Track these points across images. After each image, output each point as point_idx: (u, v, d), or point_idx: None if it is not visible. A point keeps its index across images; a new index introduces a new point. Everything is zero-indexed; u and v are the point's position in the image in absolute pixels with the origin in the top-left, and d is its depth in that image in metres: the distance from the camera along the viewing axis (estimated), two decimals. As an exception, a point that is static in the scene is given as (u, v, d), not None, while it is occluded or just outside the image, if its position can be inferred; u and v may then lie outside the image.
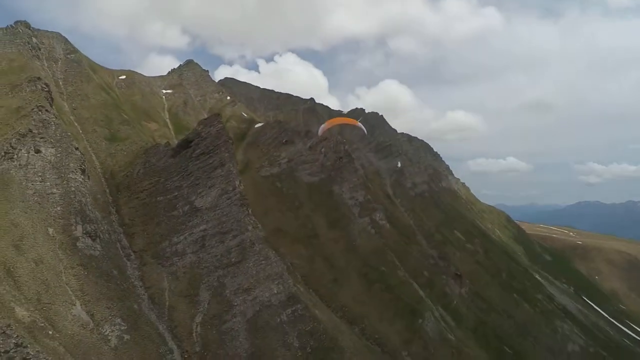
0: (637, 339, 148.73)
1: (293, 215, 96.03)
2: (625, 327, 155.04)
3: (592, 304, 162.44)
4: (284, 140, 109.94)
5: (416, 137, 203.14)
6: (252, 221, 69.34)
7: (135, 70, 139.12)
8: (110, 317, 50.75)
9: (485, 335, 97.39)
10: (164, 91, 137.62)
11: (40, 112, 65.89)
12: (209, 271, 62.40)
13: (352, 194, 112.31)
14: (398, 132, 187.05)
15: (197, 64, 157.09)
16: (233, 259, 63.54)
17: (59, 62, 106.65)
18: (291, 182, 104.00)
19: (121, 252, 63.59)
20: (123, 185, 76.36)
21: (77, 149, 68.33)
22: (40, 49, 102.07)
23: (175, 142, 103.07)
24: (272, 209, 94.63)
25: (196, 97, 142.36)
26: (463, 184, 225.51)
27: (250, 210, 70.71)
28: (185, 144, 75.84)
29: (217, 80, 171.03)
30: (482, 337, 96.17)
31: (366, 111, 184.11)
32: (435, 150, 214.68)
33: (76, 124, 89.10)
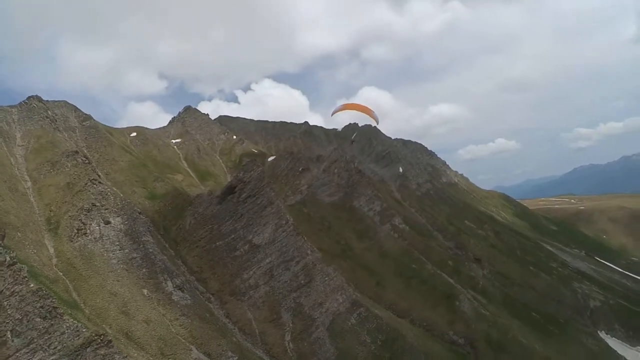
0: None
1: (325, 235, 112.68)
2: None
3: (604, 262, 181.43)
4: (300, 169, 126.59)
5: (410, 140, 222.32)
6: (309, 246, 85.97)
7: (141, 126, 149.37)
8: (223, 352, 63.01)
9: (514, 306, 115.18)
10: (174, 141, 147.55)
11: (95, 185, 75.30)
12: (283, 296, 78.14)
13: (370, 206, 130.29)
14: (392, 138, 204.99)
15: (195, 109, 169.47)
16: (302, 281, 79.71)
17: (77, 131, 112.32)
18: (315, 205, 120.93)
19: (201, 297, 78.07)
20: (180, 238, 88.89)
21: (140, 213, 79.84)
22: (56, 121, 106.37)
23: (202, 188, 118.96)
24: (307, 233, 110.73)
25: (204, 141, 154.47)
26: (461, 175, 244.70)
27: (305, 238, 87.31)
28: (230, 190, 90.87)
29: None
30: (511, 308, 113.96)
31: (360, 125, 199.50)
32: (429, 149, 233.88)
33: (115, 189, 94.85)
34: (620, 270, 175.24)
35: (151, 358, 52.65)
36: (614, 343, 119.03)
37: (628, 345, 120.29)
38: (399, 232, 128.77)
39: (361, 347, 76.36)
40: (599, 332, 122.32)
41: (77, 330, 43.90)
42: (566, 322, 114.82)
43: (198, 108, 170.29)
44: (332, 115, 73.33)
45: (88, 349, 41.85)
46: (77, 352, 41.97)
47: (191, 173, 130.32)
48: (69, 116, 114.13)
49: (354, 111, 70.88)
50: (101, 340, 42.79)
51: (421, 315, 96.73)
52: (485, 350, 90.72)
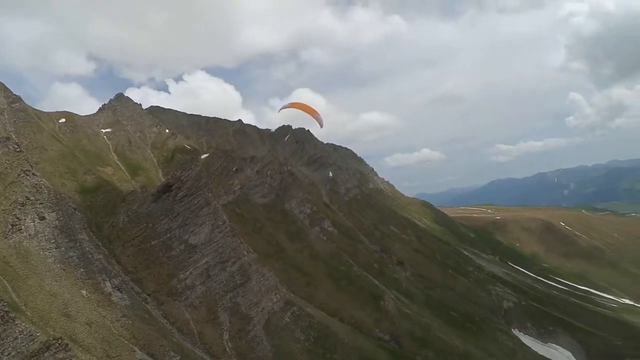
0: (563, 289, 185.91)
1: (258, 235, 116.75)
2: (551, 282, 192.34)
3: (518, 267, 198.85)
4: (233, 169, 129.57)
5: (341, 146, 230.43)
6: (244, 247, 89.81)
7: (70, 111, 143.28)
8: (166, 353, 64.40)
9: (435, 306, 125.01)
10: (104, 130, 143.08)
11: (28, 177, 71.42)
12: (220, 296, 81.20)
13: (301, 209, 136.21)
14: (324, 143, 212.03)
15: (127, 97, 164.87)
16: (238, 281, 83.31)
17: (5, 113, 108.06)
18: (248, 206, 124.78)
19: (138, 297, 78.51)
20: (113, 236, 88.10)
21: (75, 209, 78.83)
22: None
23: (133, 183, 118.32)
24: (239, 233, 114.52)
25: (135, 133, 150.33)
26: (387, 182, 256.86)
27: (241, 239, 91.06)
28: (166, 189, 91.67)
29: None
30: (433, 307, 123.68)
31: (293, 127, 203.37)
32: (359, 155, 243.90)
33: (44, 180, 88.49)
34: (532, 275, 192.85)
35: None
36: (526, 340, 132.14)
37: (540, 342, 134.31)
38: (328, 235, 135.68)
39: (296, 344, 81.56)
40: (512, 329, 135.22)
41: (31, 335, 44.66)
42: (482, 321, 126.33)
43: (126, 94, 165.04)
44: (278, 111, 77.05)
45: (46, 354, 42.72)
46: (34, 358, 42.54)
47: (121, 166, 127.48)
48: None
49: (303, 109, 74.24)
50: (59, 344, 44.01)
51: (350, 314, 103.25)
52: (409, 346, 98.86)
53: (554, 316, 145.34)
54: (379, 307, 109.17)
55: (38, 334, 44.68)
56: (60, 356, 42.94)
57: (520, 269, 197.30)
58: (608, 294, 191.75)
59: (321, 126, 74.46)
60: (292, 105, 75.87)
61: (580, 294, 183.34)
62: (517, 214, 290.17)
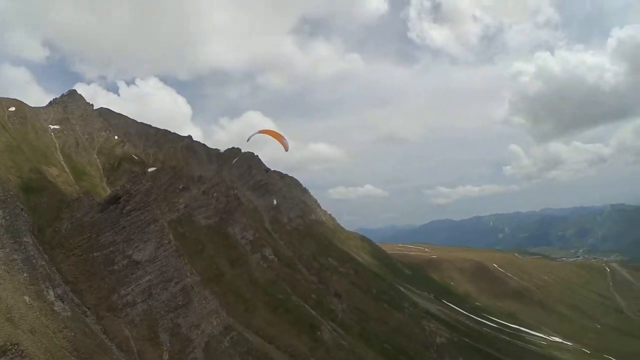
0: (494, 326, 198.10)
1: (199, 257, 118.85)
2: (483, 319, 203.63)
3: (451, 305, 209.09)
4: (180, 187, 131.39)
5: (287, 175, 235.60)
6: (188, 268, 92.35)
7: (21, 100, 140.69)
8: None
9: (369, 338, 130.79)
10: (52, 127, 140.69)
11: None
12: (161, 315, 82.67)
13: (243, 234, 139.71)
14: (271, 170, 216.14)
15: (80, 95, 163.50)
16: (180, 302, 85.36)
17: None
18: (191, 226, 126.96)
19: (78, 309, 79.96)
20: (55, 242, 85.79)
21: (22, 209, 78.75)
22: None
23: (77, 188, 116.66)
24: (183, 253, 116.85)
25: (83, 134, 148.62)
26: (329, 214, 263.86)
27: (185, 260, 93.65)
28: (113, 200, 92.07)
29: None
30: (367, 340, 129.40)
31: (242, 150, 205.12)
32: (304, 185, 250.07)
33: None
34: (465, 312, 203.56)
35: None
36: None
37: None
38: (269, 262, 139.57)
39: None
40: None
41: None
42: (415, 355, 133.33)
43: (75, 88, 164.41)
44: (247, 141, 79.61)
45: (2, 359, 44.79)
46: None
47: (66, 168, 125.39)
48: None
49: (270, 135, 79.39)
50: (15, 349, 45.81)
51: (286, 342, 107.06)
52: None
53: (485, 352, 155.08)
54: (315, 337, 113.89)
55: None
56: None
57: (454, 307, 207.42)
58: (537, 332, 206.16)
59: (286, 149, 79.73)
60: (260, 131, 78.79)
61: (511, 331, 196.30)
62: (452, 254, 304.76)
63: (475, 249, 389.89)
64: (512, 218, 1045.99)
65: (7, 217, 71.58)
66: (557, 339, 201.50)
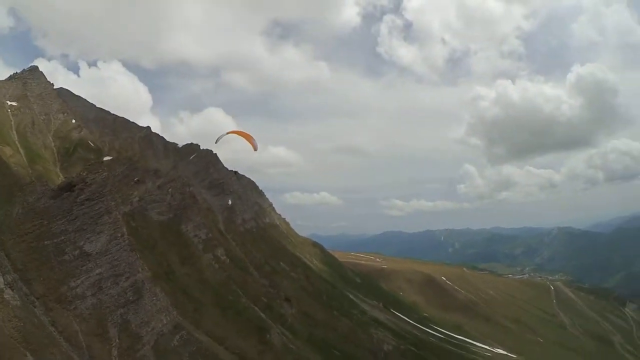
0: (440, 337, 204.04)
1: (150, 253, 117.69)
2: (430, 329, 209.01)
3: (399, 314, 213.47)
4: (135, 179, 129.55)
5: (244, 175, 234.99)
6: (140, 264, 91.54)
7: None
8: None
9: (317, 344, 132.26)
10: (9, 103, 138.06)
11: None
12: (111, 310, 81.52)
13: (196, 232, 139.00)
14: (228, 169, 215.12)
15: (42, 73, 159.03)
16: (130, 298, 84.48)
17: None
18: (144, 221, 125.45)
19: (26, 299, 78.78)
20: (5, 226, 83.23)
21: None
22: None
23: (30, 171, 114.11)
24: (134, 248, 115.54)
25: (40, 114, 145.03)
26: (284, 219, 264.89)
27: (138, 255, 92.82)
28: (68, 187, 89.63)
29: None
30: (315, 345, 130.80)
31: (201, 147, 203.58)
32: (260, 187, 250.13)
33: None
34: (412, 322, 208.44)
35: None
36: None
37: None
38: (220, 263, 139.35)
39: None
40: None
41: None
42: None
43: (35, 64, 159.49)
44: (216, 142, 79.81)
45: None
46: None
47: (20, 149, 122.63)
48: None
49: (239, 135, 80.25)
50: None
51: (235, 344, 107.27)
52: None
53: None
54: (264, 339, 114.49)
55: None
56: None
57: (401, 316, 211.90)
58: (482, 344, 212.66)
59: (255, 149, 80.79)
60: (229, 132, 79.22)
61: (456, 342, 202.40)
62: (402, 265, 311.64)
63: (425, 262, 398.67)
64: (462, 234, 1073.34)
65: None
66: (501, 351, 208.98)
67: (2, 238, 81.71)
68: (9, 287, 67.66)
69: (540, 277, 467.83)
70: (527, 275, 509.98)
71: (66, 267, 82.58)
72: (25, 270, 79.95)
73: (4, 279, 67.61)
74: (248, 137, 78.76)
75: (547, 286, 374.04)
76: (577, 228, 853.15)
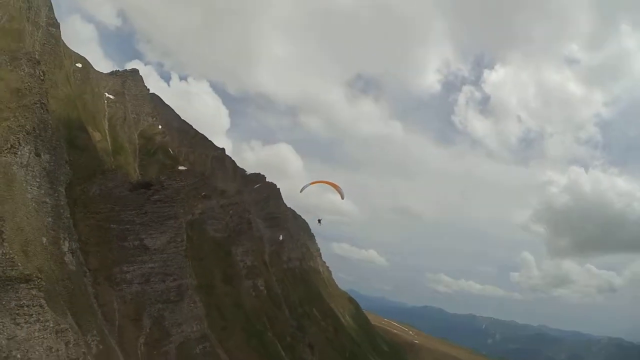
0: None
1: (197, 263, 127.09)
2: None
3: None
4: (202, 194, 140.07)
5: (300, 215, 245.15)
6: (189, 271, 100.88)
7: (87, 59, 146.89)
8: (90, 329, 73.75)
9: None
10: (107, 95, 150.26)
11: (42, 111, 77.07)
12: (151, 303, 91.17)
13: (243, 257, 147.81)
14: (287, 206, 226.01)
15: (141, 77, 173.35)
16: (172, 298, 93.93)
17: (40, 32, 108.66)
18: (200, 233, 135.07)
19: (80, 268, 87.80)
20: (80, 201, 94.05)
21: (67, 162, 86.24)
22: (30, 9, 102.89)
23: (111, 160, 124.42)
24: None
25: (132, 113, 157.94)
26: (327, 267, 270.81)
27: (190, 263, 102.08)
28: (145, 185, 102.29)
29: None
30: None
31: (267, 179, 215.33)
32: (312, 230, 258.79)
33: (52, 120, 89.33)
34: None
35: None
36: None
37: None
38: (258, 292, 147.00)
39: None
40: None
41: (13, 262, 54.88)
42: None
43: (130, 64, 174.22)
44: (301, 191, 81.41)
45: (23, 285, 53.56)
46: (9, 285, 52.30)
47: (108, 138, 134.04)
48: (42, 11, 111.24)
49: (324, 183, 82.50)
50: (37, 281, 54.88)
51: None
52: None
53: None
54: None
55: (19, 265, 54.87)
56: (34, 293, 53.25)
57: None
58: None
59: (342, 198, 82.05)
60: (313, 182, 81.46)
61: None
62: (435, 344, 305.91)
63: (459, 347, 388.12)
64: (506, 326, 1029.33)
65: (52, 164, 79.02)
66: None
67: (75, 209, 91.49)
68: (71, 253, 79.20)
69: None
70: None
71: (124, 253, 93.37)
72: (86, 243, 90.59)
73: (68, 244, 78.89)
74: (335, 187, 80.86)
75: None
76: (628, 341, 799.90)
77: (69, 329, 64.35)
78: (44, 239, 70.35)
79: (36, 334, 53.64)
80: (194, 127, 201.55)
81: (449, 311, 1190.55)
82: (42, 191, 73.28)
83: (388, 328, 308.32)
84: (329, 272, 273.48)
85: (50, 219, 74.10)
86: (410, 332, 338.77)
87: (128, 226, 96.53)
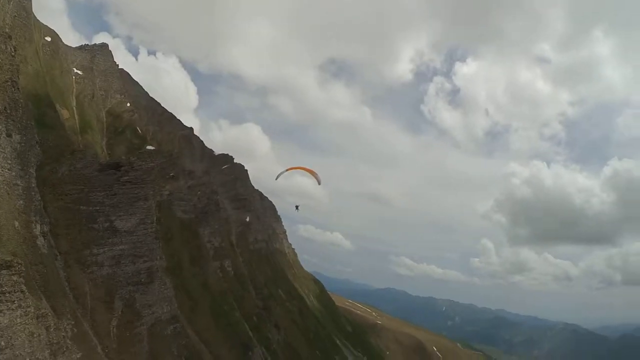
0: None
1: (165, 245, 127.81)
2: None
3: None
4: (170, 174, 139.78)
5: (267, 197, 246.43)
6: (159, 253, 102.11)
7: (58, 34, 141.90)
8: (64, 313, 73.31)
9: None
10: (75, 70, 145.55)
11: (13, 89, 73.76)
12: (122, 285, 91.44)
13: (211, 239, 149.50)
14: (255, 188, 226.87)
15: (110, 51, 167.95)
16: (142, 280, 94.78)
17: (11, 4, 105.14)
18: (167, 214, 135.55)
19: (51, 250, 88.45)
20: (49, 182, 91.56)
21: (37, 143, 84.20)
22: None
23: (79, 139, 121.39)
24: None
25: (101, 89, 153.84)
26: (293, 249, 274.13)
27: (160, 244, 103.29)
28: (115, 166, 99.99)
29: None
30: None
31: (235, 160, 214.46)
32: (279, 212, 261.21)
33: (22, 99, 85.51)
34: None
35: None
36: None
37: None
38: (225, 273, 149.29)
39: (169, 356, 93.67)
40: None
41: None
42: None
43: (97, 37, 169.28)
44: (276, 178, 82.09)
45: (4, 272, 53.75)
46: None
47: (76, 116, 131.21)
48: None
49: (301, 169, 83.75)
50: (18, 268, 55.47)
51: (219, 351, 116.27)
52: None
53: None
54: (247, 356, 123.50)
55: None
56: (15, 279, 54.15)
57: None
58: None
59: (319, 183, 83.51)
60: (290, 169, 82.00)
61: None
62: (396, 325, 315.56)
63: (420, 328, 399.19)
64: (465, 309, 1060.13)
65: (23, 144, 77.28)
66: None
67: (44, 190, 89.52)
68: (42, 236, 78.40)
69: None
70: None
71: (93, 235, 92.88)
72: (56, 225, 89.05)
73: (40, 227, 78.15)
74: (312, 172, 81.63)
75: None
76: (583, 327, 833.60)
77: (49, 314, 64.95)
78: (16, 223, 70.06)
79: (18, 320, 53.80)
80: (161, 104, 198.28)
81: (411, 293, 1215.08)
82: (14, 173, 72.38)
83: (352, 309, 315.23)
84: (295, 254, 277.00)
85: (21, 202, 73.66)
86: (374, 313, 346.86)
87: (97, 208, 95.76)
